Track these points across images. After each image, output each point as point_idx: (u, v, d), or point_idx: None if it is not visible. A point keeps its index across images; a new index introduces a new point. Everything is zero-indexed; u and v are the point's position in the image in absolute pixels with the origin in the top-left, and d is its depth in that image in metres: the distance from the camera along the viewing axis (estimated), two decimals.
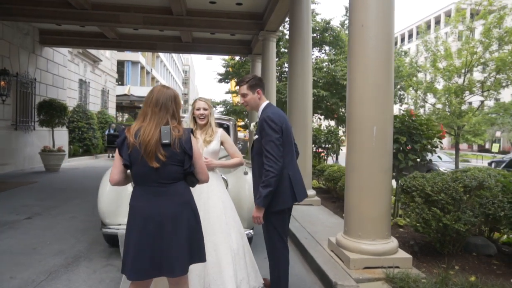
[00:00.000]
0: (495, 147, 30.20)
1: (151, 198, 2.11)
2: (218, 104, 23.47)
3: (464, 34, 12.85)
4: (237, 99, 24.19)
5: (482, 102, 13.08)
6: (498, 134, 33.57)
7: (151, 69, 38.82)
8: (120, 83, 29.02)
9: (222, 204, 2.91)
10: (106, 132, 18.50)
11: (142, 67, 35.11)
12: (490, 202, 3.46)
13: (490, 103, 14.82)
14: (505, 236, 4.47)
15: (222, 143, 3.15)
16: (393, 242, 3.66)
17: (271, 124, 2.62)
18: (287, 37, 15.02)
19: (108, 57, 22.56)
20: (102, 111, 20.70)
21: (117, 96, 25.92)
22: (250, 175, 4.28)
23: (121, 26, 10.20)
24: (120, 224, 3.90)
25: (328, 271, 3.39)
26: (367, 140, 3.57)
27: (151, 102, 2.16)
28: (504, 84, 12.11)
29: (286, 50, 14.78)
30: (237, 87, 3.18)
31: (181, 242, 2.11)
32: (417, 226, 3.77)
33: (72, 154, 15.03)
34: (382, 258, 3.50)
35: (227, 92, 24.92)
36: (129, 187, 4.06)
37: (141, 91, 31.25)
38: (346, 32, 18.27)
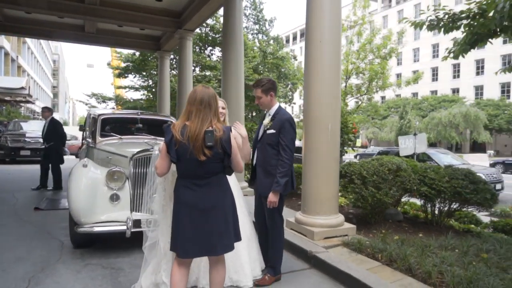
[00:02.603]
0: (358, 142, 36.01)
1: (196, 189, 2.39)
2: (109, 99, 22.04)
3: (344, 47, 15.28)
4: (128, 94, 23.09)
5: (358, 105, 15.75)
6: (361, 131, 40.17)
7: (17, 56, 33.39)
8: None
9: (236, 192, 3.30)
10: None
11: (7, 53, 29.93)
12: (407, 180, 4.69)
13: (364, 105, 17.84)
14: (400, 209, 5.94)
15: None
16: (341, 216, 4.59)
17: (293, 125, 3.26)
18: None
19: None
20: None
21: None
22: None
23: (19, 9, 8.92)
24: (96, 223, 3.83)
25: (301, 244, 4.09)
26: (324, 135, 4.39)
27: (196, 100, 2.39)
28: (374, 90, 14.91)
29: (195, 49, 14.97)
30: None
31: (221, 225, 2.43)
32: (356, 202, 4.79)
33: None
34: (335, 229, 4.39)
35: (118, 87, 23.61)
36: (102, 186, 4.01)
37: (7, 82, 26.47)
38: (249, 35, 19.37)
